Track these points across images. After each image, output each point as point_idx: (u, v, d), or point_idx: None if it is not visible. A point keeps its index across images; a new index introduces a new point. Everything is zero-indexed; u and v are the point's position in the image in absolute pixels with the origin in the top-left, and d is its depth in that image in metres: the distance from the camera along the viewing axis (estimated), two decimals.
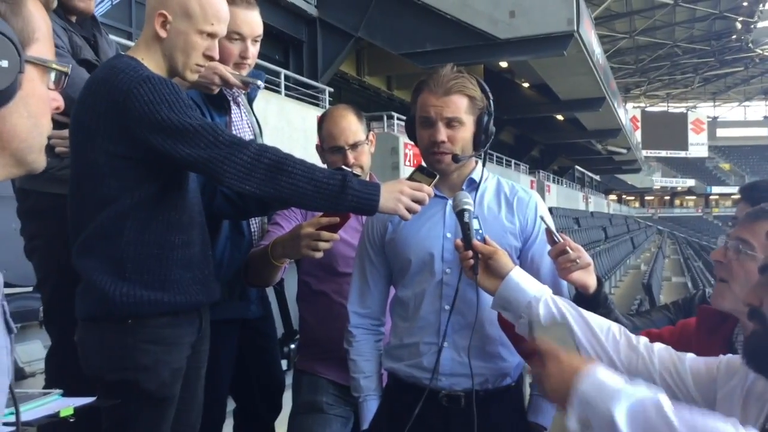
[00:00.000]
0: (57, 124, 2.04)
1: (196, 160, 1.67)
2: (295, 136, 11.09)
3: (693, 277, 15.70)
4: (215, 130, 1.69)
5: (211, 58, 1.87)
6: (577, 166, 42.32)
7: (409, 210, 1.73)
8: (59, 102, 1.02)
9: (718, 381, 1.33)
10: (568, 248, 1.72)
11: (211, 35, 1.84)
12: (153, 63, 1.82)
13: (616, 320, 1.72)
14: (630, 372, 1.40)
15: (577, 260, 1.71)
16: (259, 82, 2.22)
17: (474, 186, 1.94)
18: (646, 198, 78.55)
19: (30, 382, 3.37)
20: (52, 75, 0.99)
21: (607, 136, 32.87)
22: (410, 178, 1.79)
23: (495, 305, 1.71)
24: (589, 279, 1.75)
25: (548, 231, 1.78)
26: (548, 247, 1.78)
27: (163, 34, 1.81)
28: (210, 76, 2.06)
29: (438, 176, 1.82)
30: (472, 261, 1.70)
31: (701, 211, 74.79)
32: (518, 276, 1.68)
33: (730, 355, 1.38)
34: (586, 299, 1.73)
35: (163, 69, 1.83)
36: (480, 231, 1.76)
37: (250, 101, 2.44)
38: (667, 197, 78.59)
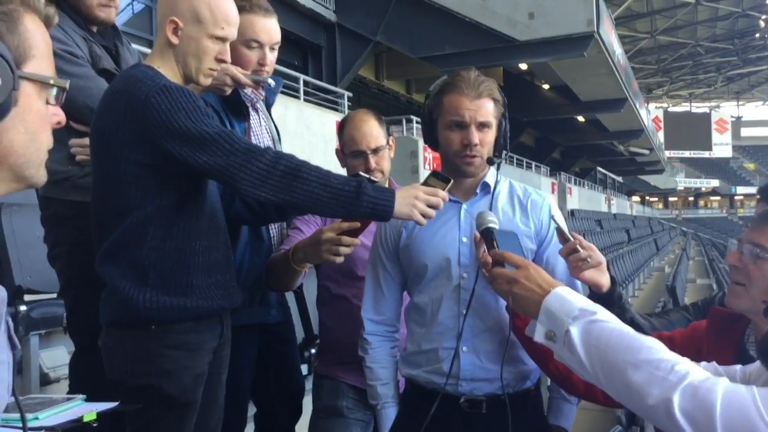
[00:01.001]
0: (77, 133, 2.08)
1: (213, 168, 1.69)
2: (315, 141, 11.14)
3: (718, 279, 15.42)
4: (232, 137, 1.70)
5: (223, 62, 1.89)
6: (599, 168, 42.01)
7: (424, 215, 1.73)
8: (60, 117, 1.03)
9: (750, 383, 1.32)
10: (578, 246, 1.71)
11: (222, 39, 1.85)
12: (168, 70, 1.83)
13: (632, 320, 1.71)
14: None
15: (588, 258, 1.71)
16: (271, 81, 2.22)
17: (488, 190, 1.94)
18: (670, 199, 77.70)
19: (54, 388, 3.41)
20: (53, 91, 1.00)
21: (629, 137, 32.61)
22: (425, 184, 1.80)
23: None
24: (601, 278, 1.73)
25: (559, 230, 1.77)
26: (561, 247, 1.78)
27: (175, 40, 1.83)
28: (221, 78, 2.07)
29: (452, 181, 1.82)
30: None
31: (726, 211, 73.76)
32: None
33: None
34: (600, 298, 1.71)
35: (178, 75, 1.85)
36: None
37: (269, 107, 2.45)
38: (691, 198, 77.71)
